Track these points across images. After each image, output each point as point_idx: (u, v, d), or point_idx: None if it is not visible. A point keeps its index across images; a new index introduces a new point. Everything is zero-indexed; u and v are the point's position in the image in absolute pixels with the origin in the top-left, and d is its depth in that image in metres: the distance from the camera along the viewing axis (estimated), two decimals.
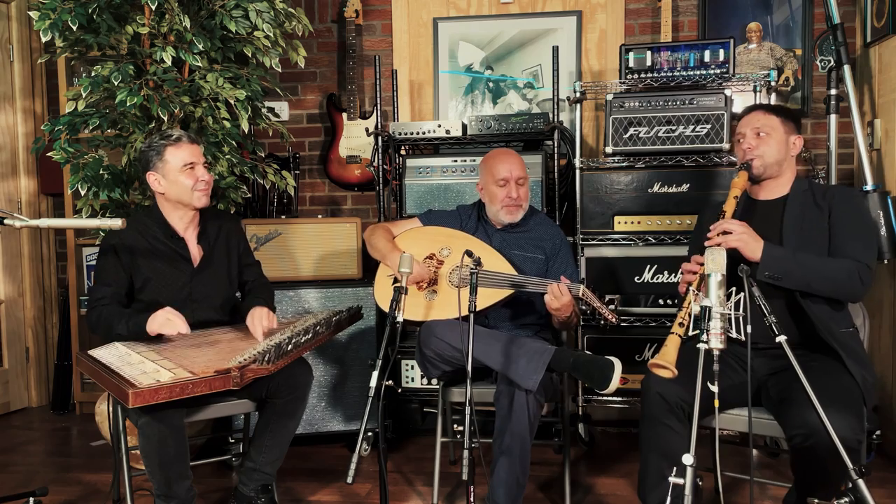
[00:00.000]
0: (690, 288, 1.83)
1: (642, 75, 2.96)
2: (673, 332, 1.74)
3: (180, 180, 2.21)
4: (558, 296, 2.18)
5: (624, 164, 2.99)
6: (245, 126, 2.77)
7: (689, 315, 1.77)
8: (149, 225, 2.26)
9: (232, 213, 2.84)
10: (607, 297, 2.20)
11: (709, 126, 2.86)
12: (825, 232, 2.00)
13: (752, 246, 1.92)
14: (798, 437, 1.75)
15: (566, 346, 2.59)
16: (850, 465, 1.52)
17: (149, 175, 2.23)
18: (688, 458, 1.47)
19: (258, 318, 2.21)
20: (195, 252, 2.31)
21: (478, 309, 2.03)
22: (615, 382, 2.03)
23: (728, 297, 1.63)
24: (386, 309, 2.33)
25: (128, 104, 2.53)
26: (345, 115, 3.53)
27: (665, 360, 1.68)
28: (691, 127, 2.87)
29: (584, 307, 2.26)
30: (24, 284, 3.84)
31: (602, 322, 2.23)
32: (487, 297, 2.28)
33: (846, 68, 2.81)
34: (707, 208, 2.34)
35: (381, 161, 3.14)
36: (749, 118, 2.13)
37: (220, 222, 2.40)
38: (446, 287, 2.39)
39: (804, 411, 1.72)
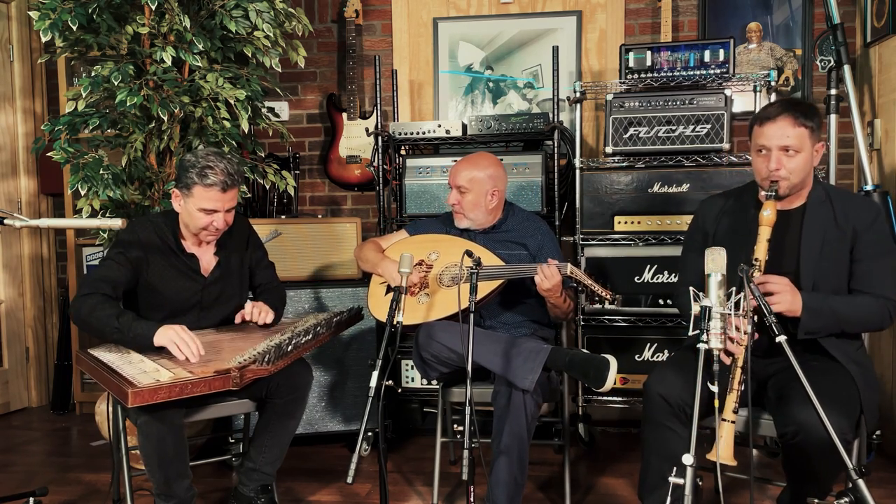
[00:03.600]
0: (736, 363, 1.74)
1: (642, 75, 2.96)
2: (724, 420, 1.68)
3: (195, 216, 2.15)
4: (549, 276, 2.18)
5: (624, 164, 2.99)
6: (245, 126, 2.77)
7: (739, 395, 1.72)
8: (166, 233, 2.22)
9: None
10: (606, 290, 2.20)
11: (709, 126, 2.86)
12: (846, 258, 1.92)
13: (795, 307, 1.82)
14: (787, 433, 1.75)
15: (564, 346, 2.59)
16: (849, 464, 1.51)
17: (173, 190, 2.18)
18: (688, 458, 1.47)
19: (252, 307, 2.26)
20: (206, 264, 2.28)
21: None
22: (611, 381, 2.04)
23: (728, 297, 1.62)
24: (381, 319, 2.32)
25: (128, 104, 2.53)
26: (345, 115, 3.53)
27: (726, 458, 1.65)
28: (691, 127, 2.87)
29: (574, 284, 2.25)
30: (24, 284, 3.84)
31: (597, 299, 2.22)
32: (480, 289, 2.27)
33: (846, 68, 2.81)
34: (704, 204, 2.19)
35: (381, 161, 3.14)
36: (775, 128, 1.88)
37: (234, 228, 2.31)
38: (439, 288, 2.39)
39: (795, 408, 1.73)
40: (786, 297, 1.82)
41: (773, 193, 1.87)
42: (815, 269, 1.92)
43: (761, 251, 1.81)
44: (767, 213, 1.82)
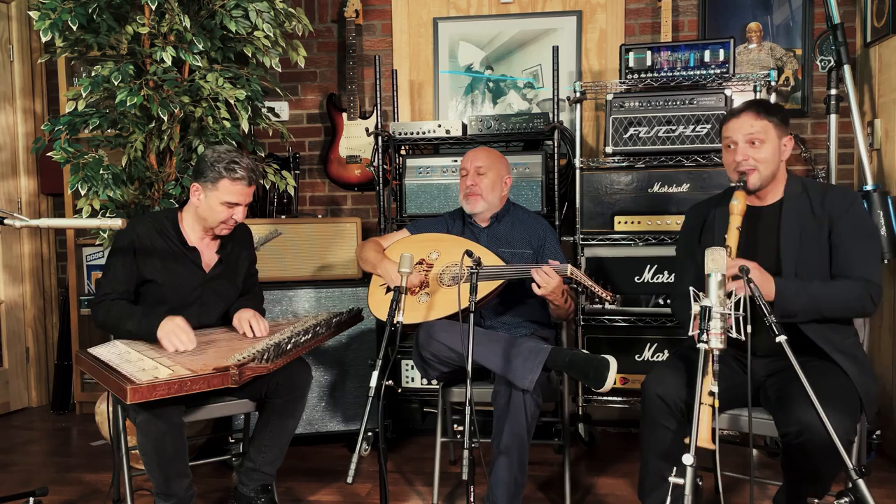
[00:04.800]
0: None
1: (642, 75, 2.96)
2: (703, 404, 1.59)
3: (216, 210, 2.19)
4: (546, 280, 2.18)
5: (624, 164, 2.99)
6: (245, 126, 2.77)
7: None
8: (166, 227, 2.24)
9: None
10: (606, 292, 2.20)
11: (709, 126, 2.86)
12: (825, 245, 1.92)
13: (766, 288, 1.80)
14: (790, 433, 1.74)
15: (564, 346, 2.59)
16: (849, 464, 1.51)
17: (194, 184, 2.21)
18: (688, 458, 1.47)
19: (245, 318, 2.24)
20: (208, 259, 2.29)
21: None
22: (610, 381, 2.04)
23: (728, 296, 1.62)
24: (381, 318, 2.33)
25: (128, 104, 2.54)
26: (345, 115, 3.53)
27: (706, 442, 1.57)
28: (691, 127, 2.87)
29: (575, 286, 2.25)
30: (24, 284, 3.84)
31: (597, 301, 2.23)
32: (480, 289, 2.27)
33: (846, 68, 2.80)
34: (692, 210, 2.22)
35: (381, 161, 3.14)
36: (740, 122, 1.96)
37: (236, 230, 2.34)
38: (439, 287, 2.39)
39: (798, 408, 1.72)
40: (756, 278, 1.80)
41: (742, 184, 1.91)
42: (795, 261, 1.92)
43: (732, 239, 1.82)
44: (737, 203, 1.85)
